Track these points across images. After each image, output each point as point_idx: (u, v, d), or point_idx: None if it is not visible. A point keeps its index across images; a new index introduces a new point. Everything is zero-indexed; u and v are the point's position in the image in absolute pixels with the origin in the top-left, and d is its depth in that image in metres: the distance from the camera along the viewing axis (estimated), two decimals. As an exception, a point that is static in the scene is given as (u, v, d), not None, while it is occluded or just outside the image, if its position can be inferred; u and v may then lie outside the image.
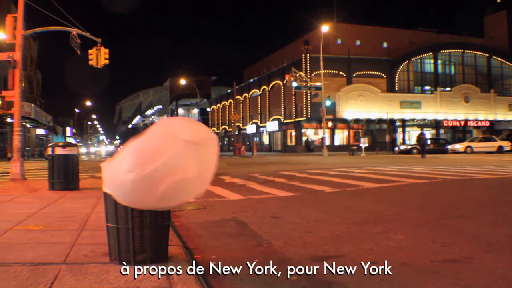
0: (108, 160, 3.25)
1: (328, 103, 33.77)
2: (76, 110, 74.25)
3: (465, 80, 47.46)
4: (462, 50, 48.00)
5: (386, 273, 3.39)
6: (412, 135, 46.33)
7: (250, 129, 55.06)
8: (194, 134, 2.88)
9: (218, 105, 68.66)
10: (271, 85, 48.75)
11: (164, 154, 2.78)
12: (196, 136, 2.88)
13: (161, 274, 3.05)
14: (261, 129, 52.54)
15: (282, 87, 45.23)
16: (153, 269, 3.15)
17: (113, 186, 2.98)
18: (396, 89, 44.45)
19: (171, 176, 2.82)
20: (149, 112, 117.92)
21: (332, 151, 37.31)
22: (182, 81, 59.23)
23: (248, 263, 3.73)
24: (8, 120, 31.04)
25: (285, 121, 45.51)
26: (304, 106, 40.73)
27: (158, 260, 3.31)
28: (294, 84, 32.79)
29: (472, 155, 28.58)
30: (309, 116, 40.70)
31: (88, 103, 70.39)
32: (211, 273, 3.45)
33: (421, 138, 26.90)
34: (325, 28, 31.80)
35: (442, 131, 46.56)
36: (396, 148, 34.52)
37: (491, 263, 3.57)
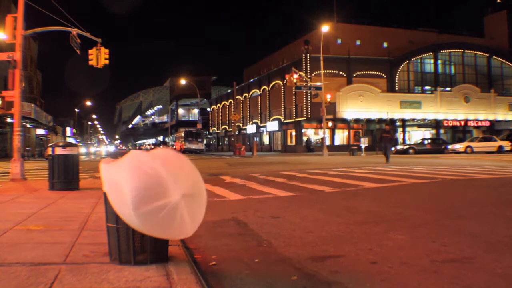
0: (106, 160, 3.27)
1: (328, 96, 33.61)
2: (76, 110, 74.31)
3: (465, 80, 47.46)
4: (462, 50, 47.99)
5: (386, 273, 3.40)
6: (412, 135, 46.38)
7: (250, 129, 55.06)
8: (190, 187, 3.12)
9: (218, 105, 68.67)
10: (271, 85, 48.76)
11: (163, 199, 2.99)
12: (191, 190, 3.13)
13: (161, 274, 3.05)
14: (261, 129, 52.55)
15: (282, 87, 45.24)
16: (153, 269, 3.16)
17: (119, 213, 3.10)
18: (396, 89, 44.46)
19: (168, 217, 3.03)
20: (149, 112, 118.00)
21: (332, 151, 37.31)
22: (182, 81, 59.29)
23: (248, 263, 3.74)
24: (8, 120, 31.06)
25: (285, 121, 45.51)
26: (304, 106, 40.73)
27: (158, 260, 3.31)
28: (296, 76, 32.53)
29: (472, 155, 28.58)
30: (309, 116, 40.70)
31: (88, 103, 70.44)
32: (211, 273, 3.45)
33: (384, 137, 19.45)
34: (325, 28, 31.81)
35: (442, 131, 46.60)
36: (393, 148, 34.56)
37: (491, 263, 3.57)
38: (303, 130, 43.31)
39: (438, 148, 33.05)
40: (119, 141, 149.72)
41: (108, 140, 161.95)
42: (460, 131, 46.75)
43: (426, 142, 34.70)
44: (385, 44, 48.94)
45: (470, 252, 3.93)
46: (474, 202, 7.20)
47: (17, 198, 7.54)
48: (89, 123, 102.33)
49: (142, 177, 3.00)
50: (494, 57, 48.93)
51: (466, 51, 48.01)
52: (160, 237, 3.19)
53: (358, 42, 48.71)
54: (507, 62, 49.37)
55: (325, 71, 35.38)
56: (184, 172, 3.17)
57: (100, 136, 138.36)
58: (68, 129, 72.32)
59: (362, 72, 43.07)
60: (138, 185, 2.97)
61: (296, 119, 42.64)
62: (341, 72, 42.37)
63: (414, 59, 46.05)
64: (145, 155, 3.15)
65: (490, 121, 46.37)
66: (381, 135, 20.43)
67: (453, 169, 13.99)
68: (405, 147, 33.64)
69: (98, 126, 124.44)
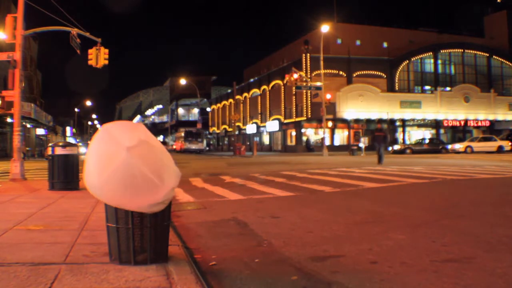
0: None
1: (328, 96, 33.61)
2: (76, 110, 74.31)
3: (465, 80, 47.50)
4: (462, 50, 48.02)
5: (386, 273, 3.39)
6: (412, 135, 46.39)
7: (250, 129, 55.06)
8: (130, 140, 3.17)
9: (218, 105, 68.66)
10: (271, 85, 48.75)
11: (115, 159, 3.09)
12: (132, 142, 3.15)
13: (161, 274, 3.05)
14: (261, 129, 52.54)
15: (282, 87, 45.24)
16: (153, 269, 3.16)
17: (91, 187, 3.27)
18: (396, 89, 44.47)
19: (127, 178, 3.09)
20: (149, 112, 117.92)
21: (332, 151, 37.31)
22: (182, 81, 59.25)
23: (248, 263, 3.74)
24: (8, 120, 31.06)
25: (285, 121, 45.52)
26: (304, 106, 40.73)
27: (158, 260, 3.31)
28: (296, 76, 32.47)
29: (472, 155, 28.58)
30: (309, 116, 40.71)
31: (88, 103, 70.47)
32: (211, 273, 3.45)
33: (377, 136, 18.08)
34: (325, 28, 31.81)
35: (442, 131, 46.62)
36: (390, 148, 34.64)
37: (491, 263, 3.57)
38: (303, 130, 43.31)
39: (435, 148, 33.25)
40: None
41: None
42: (460, 131, 46.77)
43: (424, 142, 34.84)
44: (385, 44, 48.94)
45: (470, 252, 3.92)
46: (474, 202, 7.19)
47: (17, 198, 7.54)
48: (89, 123, 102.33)
49: (94, 151, 3.23)
50: (494, 57, 48.96)
51: (466, 51, 48.05)
52: (131, 203, 3.14)
53: (358, 42, 48.72)
54: (507, 62, 49.39)
55: (325, 71, 35.40)
56: (127, 130, 3.23)
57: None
58: (68, 129, 72.40)
59: (362, 72, 43.08)
60: (95, 156, 3.20)
61: (296, 119, 42.64)
62: (341, 72, 42.38)
63: (414, 59, 46.07)
64: (96, 137, 3.30)
65: (490, 121, 46.39)
66: (374, 134, 19.65)
67: (453, 169, 13.99)
68: (403, 147, 33.87)
69: (98, 126, 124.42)
